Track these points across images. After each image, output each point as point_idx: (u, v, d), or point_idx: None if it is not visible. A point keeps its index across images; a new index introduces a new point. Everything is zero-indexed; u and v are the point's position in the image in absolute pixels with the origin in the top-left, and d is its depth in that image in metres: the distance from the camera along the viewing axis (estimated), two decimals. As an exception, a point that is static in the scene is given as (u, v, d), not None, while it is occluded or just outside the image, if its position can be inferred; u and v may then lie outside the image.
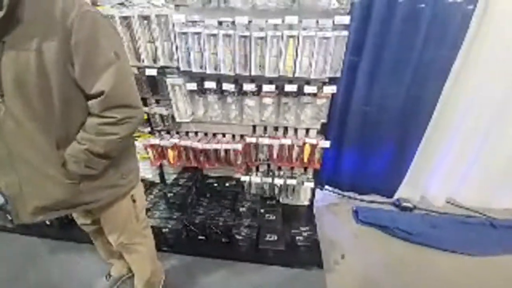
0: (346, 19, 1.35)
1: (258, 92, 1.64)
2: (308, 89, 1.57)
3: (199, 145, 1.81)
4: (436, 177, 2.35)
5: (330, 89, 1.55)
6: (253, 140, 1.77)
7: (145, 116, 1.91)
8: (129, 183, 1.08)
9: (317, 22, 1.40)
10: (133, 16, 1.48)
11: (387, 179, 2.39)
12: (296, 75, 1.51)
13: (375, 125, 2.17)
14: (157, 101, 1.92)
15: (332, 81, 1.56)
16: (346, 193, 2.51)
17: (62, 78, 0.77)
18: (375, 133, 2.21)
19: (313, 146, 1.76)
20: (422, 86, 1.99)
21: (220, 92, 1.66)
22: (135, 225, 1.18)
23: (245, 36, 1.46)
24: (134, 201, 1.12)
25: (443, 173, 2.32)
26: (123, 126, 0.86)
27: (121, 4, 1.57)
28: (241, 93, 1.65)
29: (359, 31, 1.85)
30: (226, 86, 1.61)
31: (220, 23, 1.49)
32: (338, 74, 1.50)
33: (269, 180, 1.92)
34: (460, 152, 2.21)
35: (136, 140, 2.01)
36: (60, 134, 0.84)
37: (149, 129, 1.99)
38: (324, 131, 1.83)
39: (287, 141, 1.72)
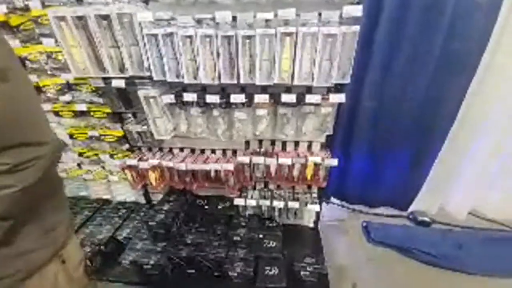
0: (357, 10, 1.03)
1: (249, 103, 1.36)
2: (310, 98, 1.28)
3: (183, 166, 1.54)
4: (458, 187, 2.07)
5: (337, 98, 1.25)
6: (246, 159, 1.49)
7: (121, 133, 1.65)
8: (57, 240, 0.82)
9: (320, 15, 1.09)
10: (89, 16, 1.18)
11: (401, 190, 2.13)
12: (295, 82, 1.22)
13: (387, 129, 1.91)
14: (134, 115, 1.66)
15: (339, 87, 1.27)
16: (354, 206, 2.25)
17: None
18: (387, 138, 1.95)
19: (317, 164, 1.49)
20: (444, 84, 1.72)
21: (204, 104, 1.38)
22: None
23: (229, 36, 1.17)
24: (63, 261, 0.86)
25: (466, 181, 2.04)
26: (24, 173, 0.61)
27: (77, 1, 1.28)
28: (229, 105, 1.37)
29: (369, 20, 1.57)
30: (210, 97, 1.33)
31: (198, 21, 1.20)
32: (347, 80, 1.20)
33: (267, 202, 1.65)
34: (487, 158, 1.93)
35: (117, 158, 1.74)
36: None
37: (127, 146, 1.72)
38: (329, 145, 1.55)
39: (286, 161, 1.45)
